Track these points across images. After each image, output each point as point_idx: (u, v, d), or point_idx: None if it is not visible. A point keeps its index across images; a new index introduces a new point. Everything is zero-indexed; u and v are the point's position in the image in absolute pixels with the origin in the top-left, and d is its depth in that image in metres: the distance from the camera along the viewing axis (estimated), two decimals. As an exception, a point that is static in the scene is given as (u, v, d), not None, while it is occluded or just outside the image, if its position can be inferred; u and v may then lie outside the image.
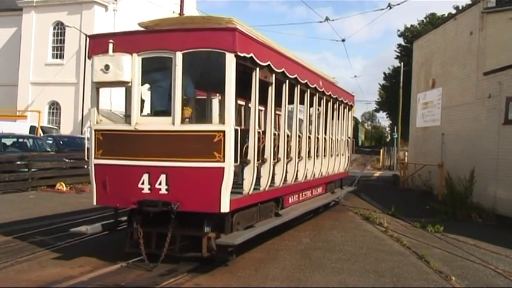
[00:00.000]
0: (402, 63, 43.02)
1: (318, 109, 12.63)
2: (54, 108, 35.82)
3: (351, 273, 7.97)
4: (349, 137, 16.44)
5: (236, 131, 7.40)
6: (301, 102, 11.11)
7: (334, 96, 13.62)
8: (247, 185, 8.17)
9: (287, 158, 9.92)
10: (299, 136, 10.95)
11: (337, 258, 8.98)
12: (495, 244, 10.65)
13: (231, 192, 7.60)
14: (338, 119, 14.69)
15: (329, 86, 13.10)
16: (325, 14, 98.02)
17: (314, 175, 12.12)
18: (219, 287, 7.17)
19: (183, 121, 7.73)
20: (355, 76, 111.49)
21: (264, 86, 8.72)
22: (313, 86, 11.28)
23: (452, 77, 19.81)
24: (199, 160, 7.44)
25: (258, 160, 8.41)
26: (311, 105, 11.89)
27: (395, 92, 44.88)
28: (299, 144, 10.87)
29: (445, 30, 21.35)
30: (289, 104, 10.16)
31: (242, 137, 7.82)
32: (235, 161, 7.45)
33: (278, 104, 9.67)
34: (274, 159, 9.12)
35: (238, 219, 8.12)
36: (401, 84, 39.71)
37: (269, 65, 8.57)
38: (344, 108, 15.44)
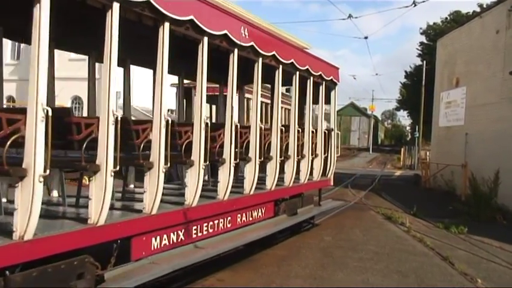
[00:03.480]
0: (424, 62, 42.47)
1: (240, 78, 7.63)
2: (77, 102, 36.22)
3: (374, 273, 7.90)
4: (327, 130, 11.40)
5: None
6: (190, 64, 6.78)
7: (289, 61, 8.63)
8: None
9: (112, 169, 4.92)
10: (176, 124, 6.78)
11: (360, 257, 8.91)
12: (521, 247, 10.45)
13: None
14: (304, 101, 10.00)
15: (282, 47, 8.51)
16: (340, 11, 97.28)
17: (243, 190, 7.79)
18: (242, 283, 7.15)
19: None
20: (377, 74, 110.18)
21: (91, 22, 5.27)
22: (236, 41, 6.96)
23: (477, 76, 19.49)
24: None
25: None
26: (218, 72, 7.49)
27: (417, 91, 44.36)
28: (179, 139, 6.65)
29: (470, 29, 21.01)
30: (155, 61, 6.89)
31: None
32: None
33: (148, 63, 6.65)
34: (45, 171, 4.21)
35: None
36: (423, 82, 39.21)
37: None
38: (317, 84, 10.39)
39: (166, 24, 5.56)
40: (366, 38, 25.99)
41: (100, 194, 4.80)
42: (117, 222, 5.19)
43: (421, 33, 60.02)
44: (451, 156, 20.97)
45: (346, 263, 8.43)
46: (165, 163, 5.53)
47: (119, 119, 4.84)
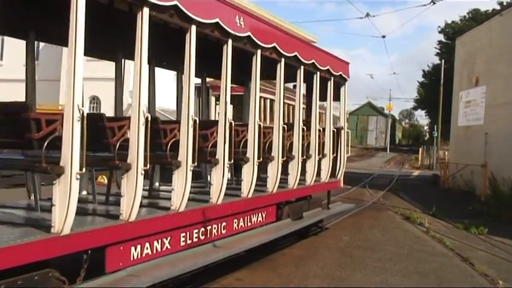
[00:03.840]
0: (443, 61, 42.07)
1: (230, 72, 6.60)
2: (95, 102, 36.59)
3: (393, 274, 7.83)
4: (336, 128, 10.73)
5: None
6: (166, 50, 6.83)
7: (292, 54, 8.03)
8: None
9: (77, 171, 4.39)
10: (161, 122, 6.30)
11: (379, 257, 8.84)
12: (543, 248, 10.27)
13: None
14: (310, 96, 9.60)
15: (284, 38, 7.91)
16: (357, 9, 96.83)
17: (240, 193, 7.21)
18: (260, 282, 7.12)
19: None
20: (394, 73, 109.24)
21: None
22: (230, 31, 6.38)
23: (497, 74, 19.26)
24: None
25: None
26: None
27: (435, 90, 43.98)
28: (164, 137, 6.09)
29: (490, 27, 20.77)
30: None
31: None
32: None
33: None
34: None
35: None
36: (441, 81, 38.82)
37: None
38: (325, 80, 9.71)
39: (146, 10, 5.01)
40: (383, 37, 26.04)
41: (64, 199, 4.24)
42: (86, 231, 4.57)
43: (439, 32, 59.60)
44: (470, 156, 20.74)
45: (365, 263, 8.37)
46: (145, 164, 5.04)
47: (85, 114, 4.32)
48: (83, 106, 4.35)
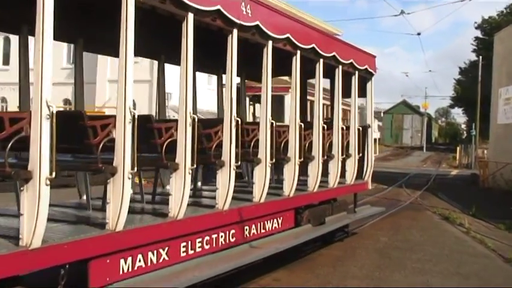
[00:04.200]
0: (480, 57, 41.07)
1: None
2: (130, 104, 37.25)
3: (434, 275, 7.69)
4: (363, 126, 9.97)
5: None
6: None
7: (309, 47, 7.37)
8: None
9: (48, 176, 3.93)
10: (155, 121, 6.09)
11: (418, 258, 8.69)
12: None
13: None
14: (333, 92, 9.05)
15: (299, 29, 7.26)
16: (391, 7, 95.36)
17: (252, 197, 6.61)
18: (298, 283, 7.11)
19: None
20: (430, 71, 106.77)
21: None
22: (235, 20, 5.73)
23: (539, 70, 18.72)
24: None
25: None
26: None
27: (473, 87, 42.99)
28: (159, 137, 5.54)
29: (531, 21, 20.21)
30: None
31: None
32: None
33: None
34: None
35: None
36: (479, 79, 37.93)
37: None
38: (349, 75, 9.08)
39: None
40: (418, 34, 25.52)
41: (33, 208, 3.76)
42: (62, 243, 4.00)
43: (476, 28, 58.25)
44: (511, 154, 20.19)
45: (404, 264, 8.25)
46: (132, 168, 4.50)
47: (54, 112, 3.86)
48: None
